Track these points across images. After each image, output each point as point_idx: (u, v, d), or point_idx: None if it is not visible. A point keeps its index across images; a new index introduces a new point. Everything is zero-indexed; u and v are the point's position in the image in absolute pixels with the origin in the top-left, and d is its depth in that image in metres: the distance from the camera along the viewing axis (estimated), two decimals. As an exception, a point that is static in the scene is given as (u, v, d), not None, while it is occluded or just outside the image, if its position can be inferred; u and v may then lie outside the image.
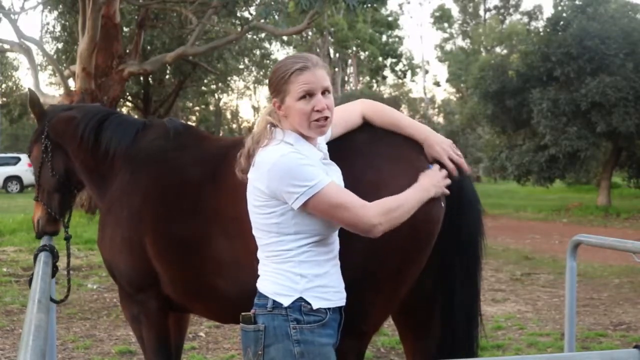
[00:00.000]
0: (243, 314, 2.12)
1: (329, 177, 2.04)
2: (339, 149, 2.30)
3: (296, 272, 2.05)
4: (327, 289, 2.09)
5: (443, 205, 2.34)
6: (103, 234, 3.00)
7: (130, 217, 2.86)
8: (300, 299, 2.04)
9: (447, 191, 2.27)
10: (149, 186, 2.87)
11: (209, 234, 2.63)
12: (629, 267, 8.95)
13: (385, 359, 5.04)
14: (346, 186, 2.19)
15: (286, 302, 2.04)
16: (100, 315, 6.39)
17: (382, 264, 2.32)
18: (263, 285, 2.11)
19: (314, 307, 2.05)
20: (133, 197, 2.88)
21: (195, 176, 2.76)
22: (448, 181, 2.27)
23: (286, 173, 2.00)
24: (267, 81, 2.32)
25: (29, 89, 3.39)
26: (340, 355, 2.20)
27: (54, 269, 2.93)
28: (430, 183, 2.21)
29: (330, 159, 2.25)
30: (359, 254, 2.25)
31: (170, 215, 2.77)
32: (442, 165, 2.36)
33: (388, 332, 5.43)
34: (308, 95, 2.07)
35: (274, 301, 2.05)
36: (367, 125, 2.46)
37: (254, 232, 2.16)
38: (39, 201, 3.28)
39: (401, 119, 2.46)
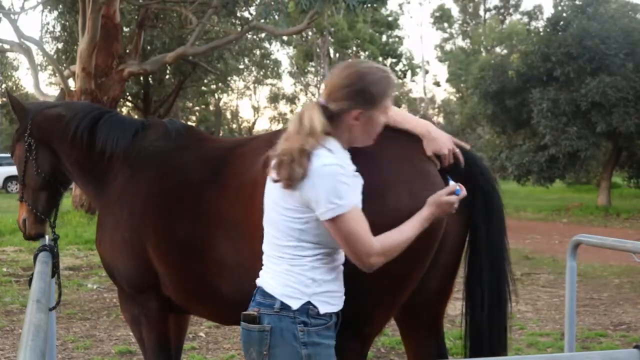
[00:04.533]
0: (245, 312, 2.11)
1: (356, 201, 2.03)
2: None
3: (309, 275, 2.05)
4: (333, 294, 2.10)
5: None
6: (102, 235, 2.98)
7: (130, 218, 2.85)
8: (309, 302, 2.05)
9: (454, 210, 2.17)
10: (150, 187, 2.85)
11: (212, 235, 2.62)
12: (629, 267, 8.95)
13: (385, 359, 5.04)
14: None
15: (295, 305, 2.04)
16: (100, 315, 6.38)
17: (386, 268, 2.32)
18: (270, 285, 2.09)
19: (321, 312, 2.06)
20: (134, 197, 2.87)
21: (197, 177, 2.74)
22: (454, 199, 2.16)
23: (324, 184, 1.97)
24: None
25: (7, 90, 3.35)
26: (344, 356, 2.21)
27: (54, 269, 2.92)
28: (431, 214, 2.14)
29: None
30: None
31: (172, 216, 2.75)
32: (445, 169, 2.38)
33: (388, 332, 5.42)
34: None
35: (282, 303, 2.05)
36: None
37: (271, 229, 2.12)
38: (23, 201, 3.22)
39: (402, 115, 2.49)
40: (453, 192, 2.16)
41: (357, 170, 2.13)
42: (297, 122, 2.08)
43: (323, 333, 2.07)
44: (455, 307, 5.34)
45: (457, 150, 2.45)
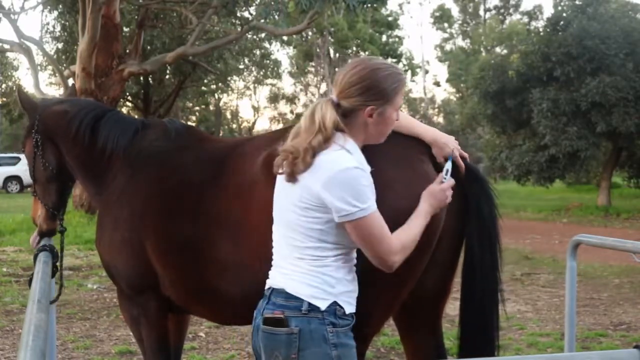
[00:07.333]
0: (268, 315, 2.06)
1: (375, 204, 2.03)
2: None
3: (334, 275, 2.04)
4: (354, 294, 2.11)
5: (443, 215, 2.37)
6: (102, 234, 2.97)
7: (130, 218, 2.84)
8: (335, 302, 2.04)
9: (448, 199, 2.25)
10: (150, 187, 2.85)
11: (212, 235, 2.62)
12: (629, 267, 8.95)
13: (385, 359, 5.04)
14: None
15: (323, 305, 2.02)
16: (100, 315, 6.39)
17: None
18: (294, 286, 2.05)
19: (346, 312, 2.06)
20: (134, 197, 2.87)
21: (197, 177, 2.74)
22: (450, 192, 2.26)
23: (345, 187, 1.97)
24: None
25: (18, 86, 3.37)
26: None
27: (54, 269, 2.93)
28: (429, 206, 2.20)
29: None
30: (362, 257, 2.25)
31: (172, 216, 2.75)
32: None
33: (388, 332, 5.42)
34: None
35: (310, 304, 2.02)
36: None
37: (288, 231, 2.10)
38: (36, 197, 3.24)
39: (408, 120, 2.50)
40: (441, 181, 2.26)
41: None
42: (309, 118, 2.07)
43: (349, 334, 2.07)
44: (455, 307, 5.31)
45: (466, 154, 2.48)
